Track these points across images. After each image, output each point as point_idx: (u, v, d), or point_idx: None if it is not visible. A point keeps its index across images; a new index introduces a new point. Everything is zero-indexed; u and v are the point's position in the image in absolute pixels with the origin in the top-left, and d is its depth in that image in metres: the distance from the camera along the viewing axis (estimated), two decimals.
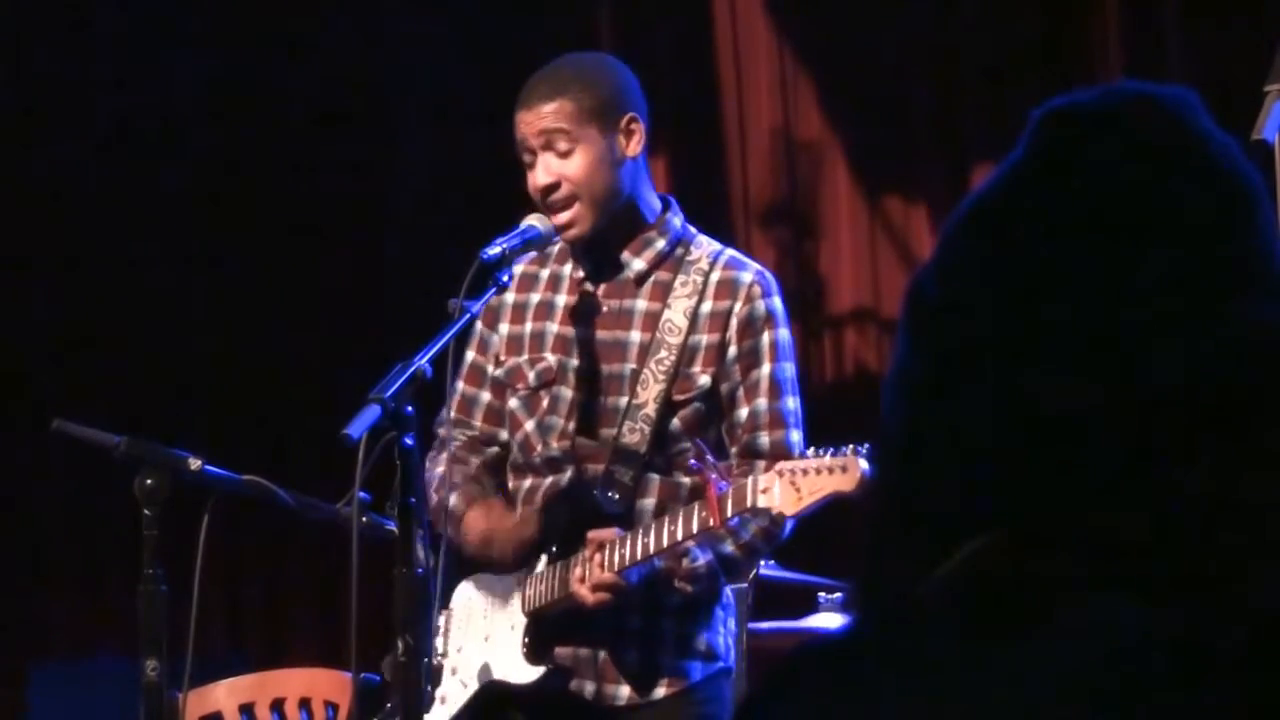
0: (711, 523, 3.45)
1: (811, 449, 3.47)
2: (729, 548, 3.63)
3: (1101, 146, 1.22)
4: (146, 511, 3.41)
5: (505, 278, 3.57)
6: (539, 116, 3.67)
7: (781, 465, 3.43)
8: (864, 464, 3.36)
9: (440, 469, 3.79)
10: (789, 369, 3.74)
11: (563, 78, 3.72)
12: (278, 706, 4.31)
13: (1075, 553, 1.15)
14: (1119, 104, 1.24)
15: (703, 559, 3.60)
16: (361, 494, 3.27)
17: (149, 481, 3.43)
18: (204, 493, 3.52)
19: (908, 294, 1.25)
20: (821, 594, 5.09)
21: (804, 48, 6.46)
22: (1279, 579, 1.12)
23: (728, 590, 3.82)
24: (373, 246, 6.71)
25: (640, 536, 3.54)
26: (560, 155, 3.67)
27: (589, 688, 3.69)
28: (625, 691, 3.69)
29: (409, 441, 3.22)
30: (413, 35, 6.62)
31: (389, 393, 3.20)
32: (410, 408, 3.24)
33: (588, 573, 3.58)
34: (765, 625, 4.94)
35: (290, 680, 4.43)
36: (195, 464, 3.49)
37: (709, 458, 3.54)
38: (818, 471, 3.39)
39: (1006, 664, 1.12)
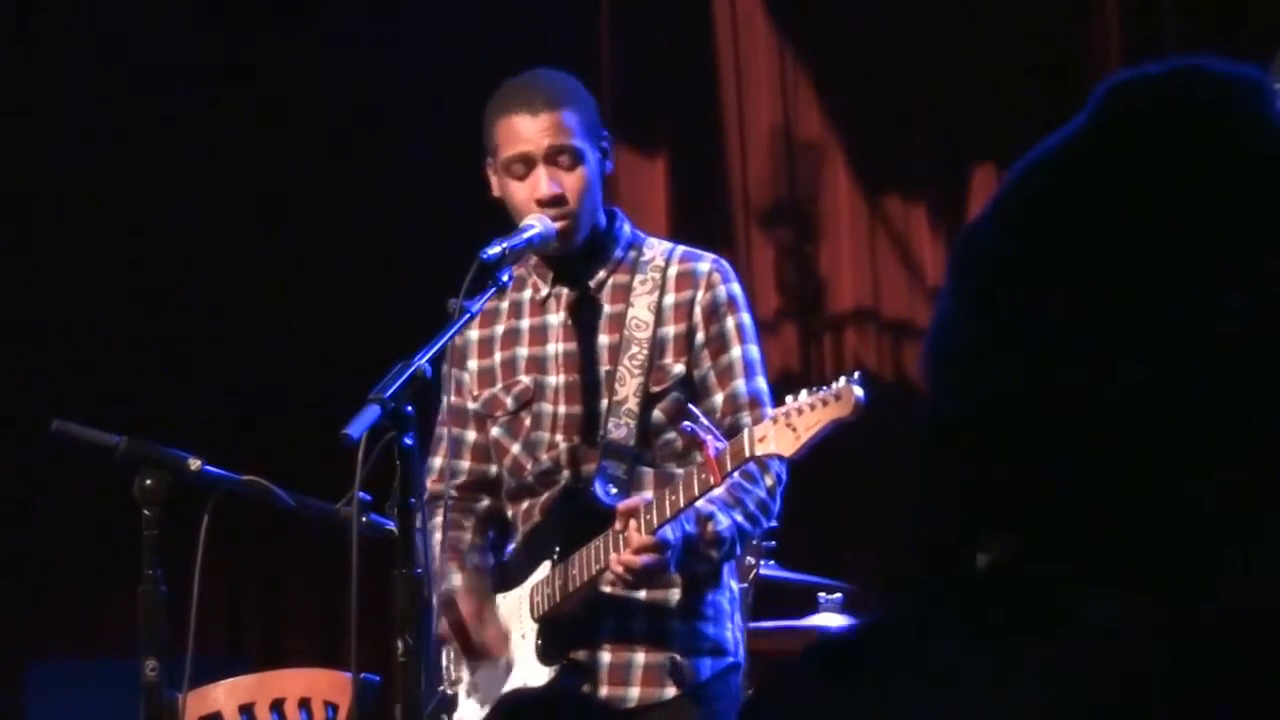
0: (712, 481, 3.45)
1: (804, 390, 3.46)
2: (739, 516, 3.63)
3: (1155, 133, 1.21)
4: (146, 511, 3.40)
5: (505, 277, 3.57)
6: (545, 127, 3.70)
7: (775, 411, 3.44)
8: (858, 390, 3.36)
9: (437, 535, 3.83)
10: (755, 351, 3.78)
11: (559, 88, 3.77)
12: (277, 707, 4.30)
13: (1079, 553, 1.15)
14: (1181, 87, 1.23)
15: (726, 522, 3.60)
16: (361, 494, 3.27)
17: (149, 481, 3.42)
18: (204, 493, 3.51)
19: (961, 243, 1.25)
20: (821, 594, 5.09)
21: (804, 48, 6.46)
22: (1276, 580, 1.12)
23: (735, 584, 3.83)
24: (374, 247, 6.71)
25: (667, 496, 3.53)
26: (565, 168, 3.70)
27: (600, 691, 3.69)
28: (635, 693, 3.69)
29: (409, 441, 3.22)
30: (413, 34, 6.62)
31: (389, 392, 3.20)
32: (410, 407, 3.24)
33: (616, 544, 3.57)
34: (766, 624, 4.94)
35: (290, 680, 4.42)
36: (195, 464, 3.49)
37: (702, 420, 3.55)
38: (811, 407, 3.39)
39: (1009, 664, 1.12)
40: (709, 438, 3.47)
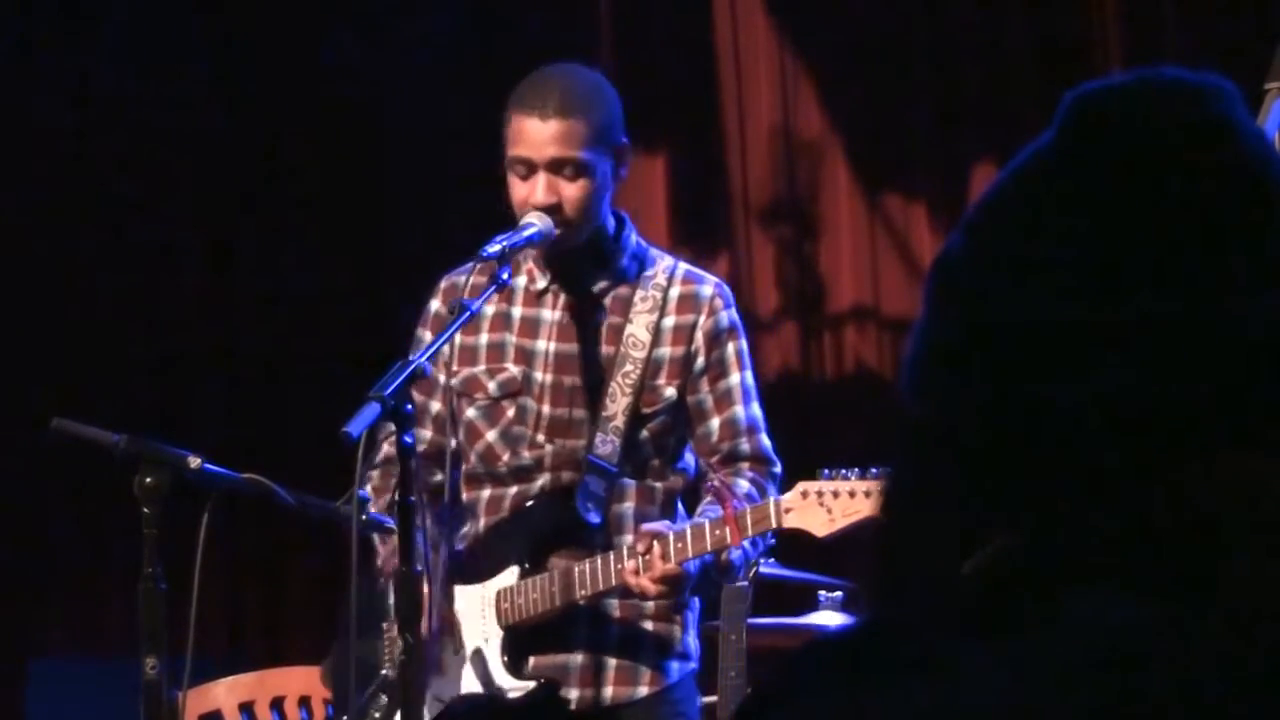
0: (729, 540, 3.52)
1: (839, 471, 3.49)
2: (745, 542, 3.66)
3: (1123, 139, 1.21)
4: (146, 510, 3.40)
5: (504, 275, 3.57)
6: (552, 135, 3.65)
7: (806, 486, 3.47)
8: None
9: (375, 482, 3.83)
10: (751, 378, 3.81)
11: (574, 93, 3.70)
12: (277, 705, 4.31)
13: (1076, 551, 1.15)
14: (1149, 93, 1.23)
15: (738, 552, 3.66)
16: (361, 492, 3.28)
17: (148, 480, 3.42)
18: (204, 491, 3.51)
19: (935, 265, 1.25)
20: (821, 592, 5.09)
21: (804, 47, 6.46)
22: (1277, 579, 1.12)
23: (696, 599, 3.88)
24: (373, 246, 6.71)
25: (687, 537, 3.58)
26: (567, 179, 3.67)
27: (573, 694, 3.72)
28: (609, 692, 3.74)
29: (408, 439, 3.22)
30: (413, 31, 6.62)
31: (388, 391, 3.20)
32: (410, 406, 3.24)
33: (641, 565, 3.59)
34: (766, 621, 4.94)
35: (290, 679, 4.43)
36: (195, 462, 3.49)
37: (723, 479, 3.59)
38: (851, 494, 3.41)
39: (1005, 662, 1.12)
40: (731, 497, 3.51)
